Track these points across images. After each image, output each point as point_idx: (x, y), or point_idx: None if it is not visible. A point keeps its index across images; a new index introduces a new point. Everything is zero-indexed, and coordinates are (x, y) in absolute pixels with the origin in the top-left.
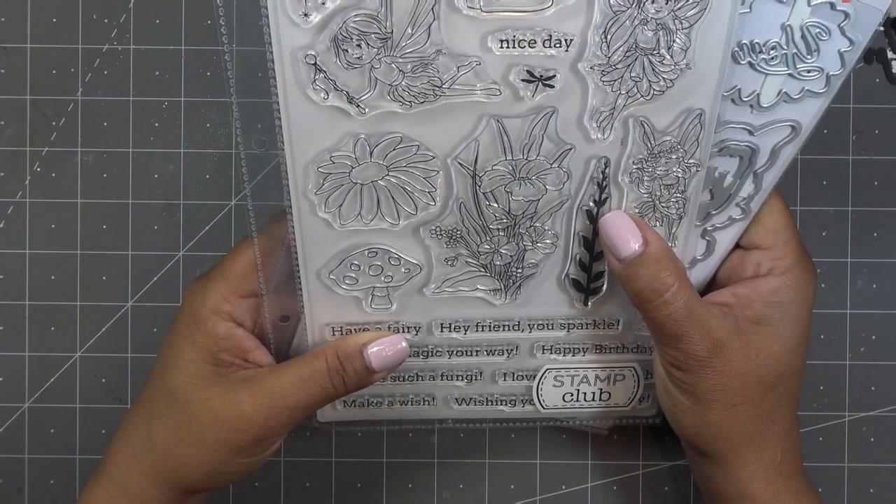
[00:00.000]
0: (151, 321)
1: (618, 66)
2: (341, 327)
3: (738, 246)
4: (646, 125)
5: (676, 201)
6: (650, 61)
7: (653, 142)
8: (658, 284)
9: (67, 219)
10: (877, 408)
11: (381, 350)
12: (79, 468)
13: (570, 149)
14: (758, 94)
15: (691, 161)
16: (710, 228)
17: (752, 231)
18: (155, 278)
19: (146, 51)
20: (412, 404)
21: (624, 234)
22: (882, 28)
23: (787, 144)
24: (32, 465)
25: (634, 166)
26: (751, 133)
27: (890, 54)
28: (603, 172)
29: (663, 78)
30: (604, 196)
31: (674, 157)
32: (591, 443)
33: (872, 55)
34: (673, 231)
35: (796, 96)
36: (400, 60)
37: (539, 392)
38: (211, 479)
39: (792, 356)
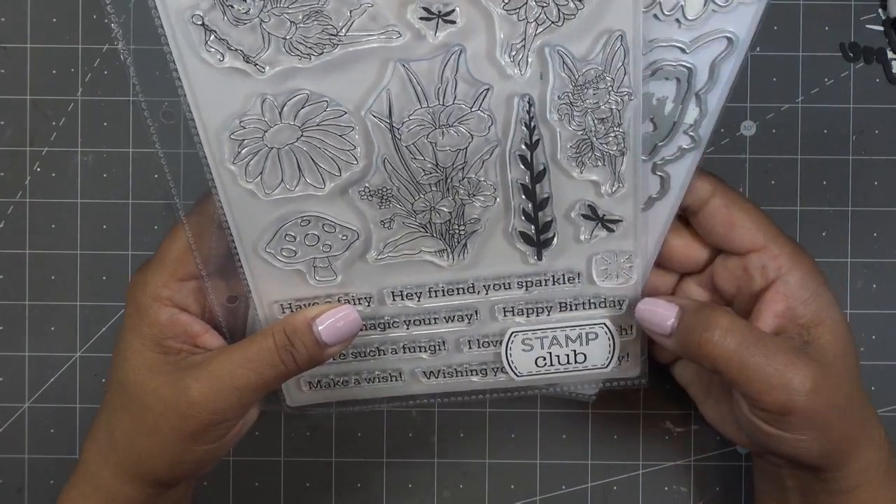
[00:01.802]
0: None
1: None
2: (290, 304)
3: (723, 252)
4: (564, 55)
5: (615, 136)
6: None
7: (575, 72)
8: (711, 321)
9: (67, 219)
10: (877, 408)
11: (331, 323)
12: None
13: (488, 89)
14: (681, 6)
15: (622, 90)
16: (660, 163)
17: (737, 236)
18: None
19: (146, 51)
20: (379, 381)
21: (659, 310)
22: (882, 28)
23: (726, 59)
24: (32, 465)
25: (561, 102)
26: (683, 51)
27: (890, 54)
28: (528, 112)
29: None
30: (535, 138)
31: (602, 87)
32: (591, 442)
33: (872, 55)
34: (618, 170)
35: (725, 4)
36: (290, 11)
37: (509, 358)
38: (173, 469)
39: (851, 333)
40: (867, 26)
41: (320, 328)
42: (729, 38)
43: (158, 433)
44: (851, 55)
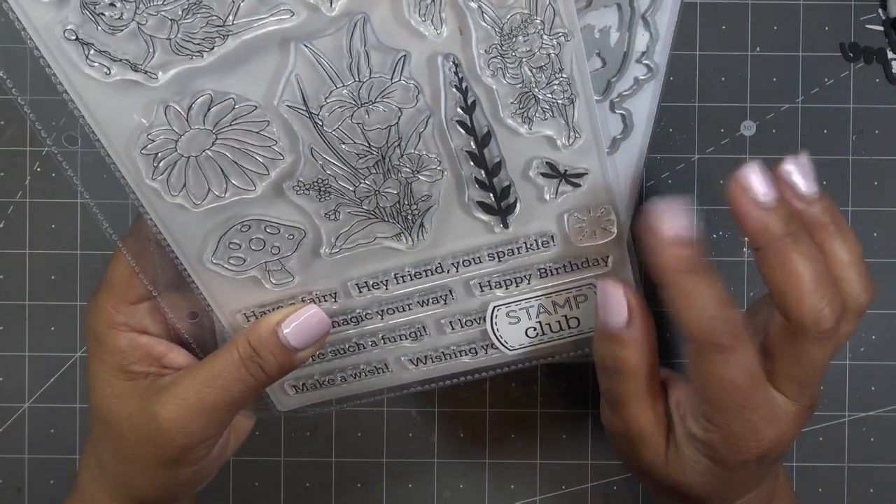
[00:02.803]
0: None
1: None
2: (253, 311)
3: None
4: (481, 3)
5: (560, 83)
6: None
7: (499, 21)
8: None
9: (67, 219)
10: (877, 408)
11: (297, 325)
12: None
13: (404, 55)
14: None
15: (556, 31)
16: (617, 100)
17: (778, 374)
18: None
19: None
20: (366, 375)
21: (615, 303)
22: (882, 28)
23: None
24: (32, 465)
25: (490, 56)
26: None
27: (890, 54)
28: (456, 73)
29: None
30: (470, 100)
31: (532, 31)
32: (591, 442)
33: (872, 55)
34: (571, 119)
35: None
36: (165, 9)
37: (497, 333)
38: (164, 492)
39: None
40: (867, 26)
41: (286, 332)
42: None
43: (140, 461)
44: (851, 55)
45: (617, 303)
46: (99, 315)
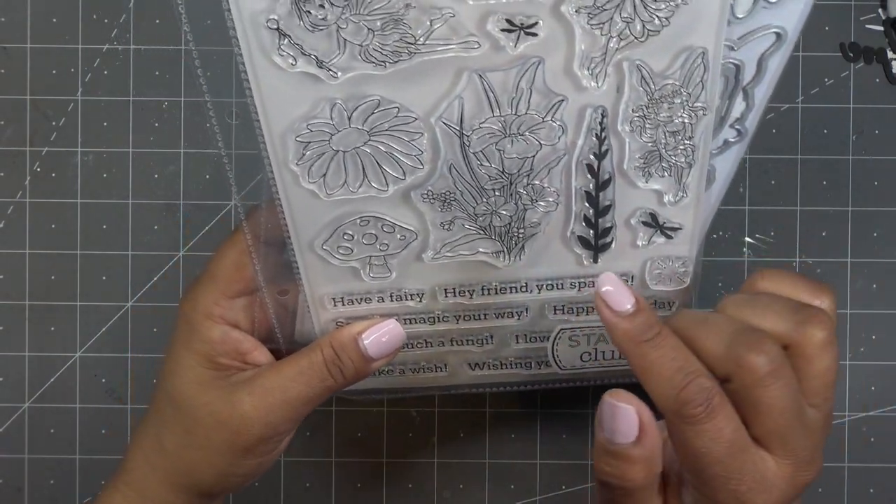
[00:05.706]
0: (151, 321)
1: (605, 6)
2: (342, 297)
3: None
4: (643, 69)
5: (685, 149)
6: None
7: (652, 86)
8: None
9: (67, 219)
10: (877, 408)
11: (376, 338)
12: (79, 468)
13: (562, 100)
14: (731, 4)
15: (697, 105)
16: None
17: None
18: (155, 278)
19: (146, 51)
20: (424, 371)
21: (625, 423)
22: (882, 28)
23: (774, 54)
24: (32, 465)
25: (634, 114)
26: (732, 48)
27: (890, 54)
28: (600, 123)
29: (657, 17)
30: (604, 148)
31: (677, 101)
32: (591, 443)
33: (872, 55)
34: (684, 181)
35: (774, 0)
36: (368, 18)
37: (555, 353)
38: (223, 482)
39: None
40: (867, 26)
41: (366, 343)
42: (778, 34)
43: (210, 447)
44: (851, 55)
45: (627, 421)
46: (197, 305)
